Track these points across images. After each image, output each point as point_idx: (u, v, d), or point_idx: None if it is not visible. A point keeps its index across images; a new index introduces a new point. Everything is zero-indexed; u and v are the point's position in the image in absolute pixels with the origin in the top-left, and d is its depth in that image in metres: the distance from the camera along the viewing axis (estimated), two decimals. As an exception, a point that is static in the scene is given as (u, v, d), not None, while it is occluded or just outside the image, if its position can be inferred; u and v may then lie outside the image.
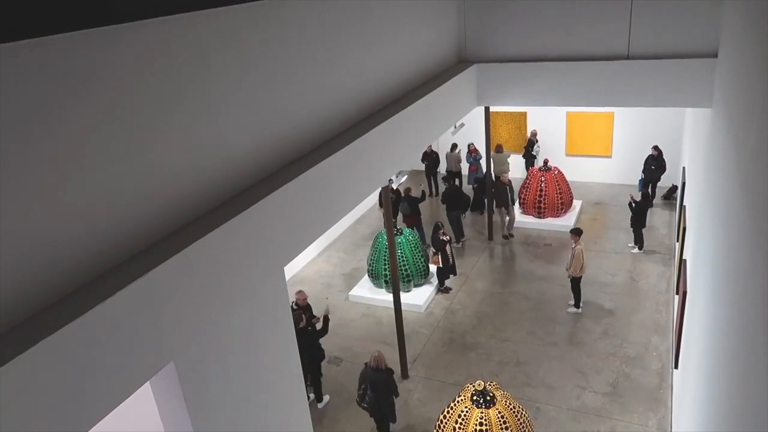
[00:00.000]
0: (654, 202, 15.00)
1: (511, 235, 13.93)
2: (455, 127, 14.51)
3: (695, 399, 5.32)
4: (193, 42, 3.96)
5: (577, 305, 10.98)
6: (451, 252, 11.82)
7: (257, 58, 4.59)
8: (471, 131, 16.42)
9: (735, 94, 4.75)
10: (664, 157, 14.63)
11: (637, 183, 15.16)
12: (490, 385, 7.34)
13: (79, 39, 3.15)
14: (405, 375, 9.55)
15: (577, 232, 10.82)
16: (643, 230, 12.87)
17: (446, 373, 9.62)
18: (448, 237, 11.78)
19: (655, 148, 14.62)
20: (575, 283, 10.86)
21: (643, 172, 14.84)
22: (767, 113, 2.85)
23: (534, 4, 8.56)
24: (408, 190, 14.02)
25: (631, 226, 12.85)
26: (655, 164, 14.59)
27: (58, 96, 3.05)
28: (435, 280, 12.05)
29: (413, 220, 13.71)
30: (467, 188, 15.84)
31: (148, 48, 3.60)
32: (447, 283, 12.04)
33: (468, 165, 15.95)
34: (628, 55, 8.24)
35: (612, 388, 8.96)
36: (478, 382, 7.32)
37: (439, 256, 11.58)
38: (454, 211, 13.65)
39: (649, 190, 14.81)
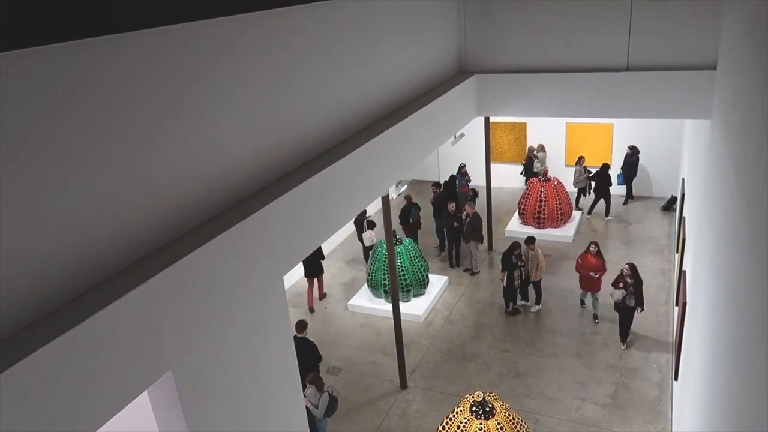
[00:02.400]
0: (652, 214, 15.10)
1: (478, 271, 13.17)
2: (455, 137, 14.56)
3: (695, 411, 5.30)
4: (194, 51, 3.98)
5: (538, 302, 11.48)
6: (520, 274, 11.16)
7: (257, 68, 4.61)
8: (471, 142, 16.48)
9: (734, 105, 4.77)
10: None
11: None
12: (489, 396, 7.30)
13: (81, 48, 3.17)
14: (404, 385, 9.52)
15: (530, 240, 11.36)
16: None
17: (445, 383, 9.58)
18: (522, 262, 11.15)
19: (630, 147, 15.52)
20: (536, 284, 11.37)
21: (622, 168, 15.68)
22: (766, 124, 2.86)
23: (534, 16, 8.61)
24: (409, 197, 14.04)
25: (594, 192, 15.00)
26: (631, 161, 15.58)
27: (58, 104, 3.06)
28: (434, 290, 12.03)
29: (412, 229, 13.74)
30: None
31: (149, 57, 3.62)
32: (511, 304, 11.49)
33: (459, 187, 15.85)
34: (628, 67, 8.27)
35: (612, 399, 8.92)
36: (477, 392, 7.29)
37: (505, 276, 11.07)
38: (439, 218, 13.87)
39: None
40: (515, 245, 11.12)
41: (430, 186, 14.87)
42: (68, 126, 3.11)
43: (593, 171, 15.35)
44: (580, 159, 15.52)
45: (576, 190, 15.68)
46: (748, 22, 4.24)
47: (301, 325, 8.74)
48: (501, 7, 8.81)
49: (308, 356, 8.54)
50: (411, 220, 13.71)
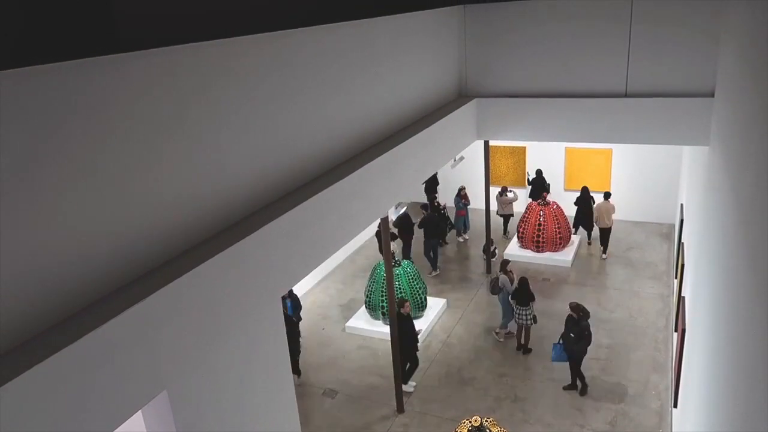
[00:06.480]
0: (651, 239, 15.09)
1: None
2: (455, 160, 14.65)
3: (695, 439, 5.24)
4: (196, 72, 4.02)
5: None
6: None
7: (258, 89, 4.65)
8: (470, 165, 16.57)
9: (732, 132, 4.80)
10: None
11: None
12: (486, 420, 7.22)
13: (85, 66, 3.20)
14: (401, 409, 9.41)
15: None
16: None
17: (442, 407, 9.48)
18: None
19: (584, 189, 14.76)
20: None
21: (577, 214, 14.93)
22: (764, 151, 2.88)
23: (534, 42, 8.71)
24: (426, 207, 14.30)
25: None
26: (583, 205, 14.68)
27: (61, 122, 3.07)
28: (432, 313, 11.99)
29: (407, 237, 13.91)
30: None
31: (152, 76, 3.65)
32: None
33: (457, 209, 15.85)
34: (626, 93, 8.35)
35: (610, 426, 8.82)
36: (474, 417, 7.21)
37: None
38: (431, 239, 13.92)
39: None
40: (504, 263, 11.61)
41: (419, 208, 15.00)
42: (70, 143, 3.12)
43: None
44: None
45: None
46: (746, 49, 4.30)
47: (401, 302, 9.40)
48: (501, 32, 8.92)
49: (406, 332, 9.28)
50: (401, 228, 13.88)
